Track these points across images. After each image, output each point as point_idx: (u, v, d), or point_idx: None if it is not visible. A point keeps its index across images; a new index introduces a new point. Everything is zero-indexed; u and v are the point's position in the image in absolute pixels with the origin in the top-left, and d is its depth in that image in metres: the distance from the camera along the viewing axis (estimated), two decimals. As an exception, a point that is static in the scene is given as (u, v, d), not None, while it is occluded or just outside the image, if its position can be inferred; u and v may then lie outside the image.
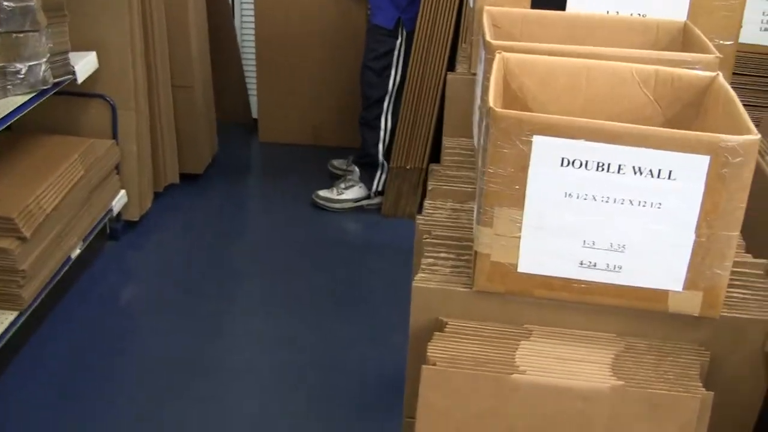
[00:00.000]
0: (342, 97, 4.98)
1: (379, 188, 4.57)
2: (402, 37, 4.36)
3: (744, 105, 1.51)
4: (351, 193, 4.60)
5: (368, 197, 4.60)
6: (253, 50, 5.20)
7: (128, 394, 3.24)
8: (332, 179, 4.79)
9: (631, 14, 2.10)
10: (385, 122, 4.47)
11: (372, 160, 4.56)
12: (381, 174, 4.55)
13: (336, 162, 4.95)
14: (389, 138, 4.48)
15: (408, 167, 4.38)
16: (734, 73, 2.32)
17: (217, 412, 3.14)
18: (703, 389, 1.47)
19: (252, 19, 5.19)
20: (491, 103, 1.47)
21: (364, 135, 4.56)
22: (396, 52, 4.39)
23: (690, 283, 1.50)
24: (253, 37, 5.21)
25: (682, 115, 1.70)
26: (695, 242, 1.47)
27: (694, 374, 1.50)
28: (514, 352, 1.54)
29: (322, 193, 4.62)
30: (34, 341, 3.47)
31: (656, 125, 1.67)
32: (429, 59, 4.19)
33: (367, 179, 4.59)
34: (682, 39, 1.99)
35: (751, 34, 2.58)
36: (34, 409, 3.13)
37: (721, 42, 2.08)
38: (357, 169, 4.62)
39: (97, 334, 3.57)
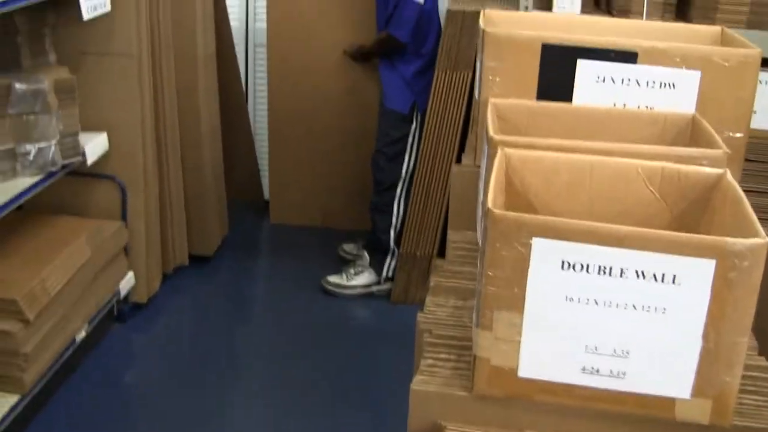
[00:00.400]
0: (353, 180, 4.96)
1: (389, 274, 4.52)
2: (417, 121, 4.35)
3: (753, 192, 1.48)
4: (361, 278, 4.55)
5: (378, 283, 4.55)
6: (266, 132, 5.20)
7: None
8: (342, 263, 4.74)
9: (639, 107, 2.07)
10: (397, 208, 4.44)
11: (383, 246, 4.52)
12: (391, 260, 4.51)
13: (347, 246, 4.90)
14: (401, 224, 4.44)
15: (418, 254, 4.34)
16: (745, 159, 2.27)
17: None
18: (712, 503, 1.41)
19: (265, 102, 5.20)
20: (490, 204, 1.43)
21: (375, 220, 4.53)
22: (410, 138, 4.38)
23: (698, 391, 1.45)
24: (266, 119, 5.22)
25: (689, 212, 1.65)
26: (702, 348, 1.42)
27: (703, 486, 1.44)
28: (514, 460, 1.49)
29: (332, 278, 4.57)
30: (35, 425, 3.41)
31: (662, 223, 1.64)
32: (439, 147, 4.19)
33: (377, 265, 4.54)
34: (690, 132, 1.96)
35: (762, 120, 2.56)
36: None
37: (731, 134, 2.04)
38: (367, 255, 4.58)
39: (99, 418, 3.51)
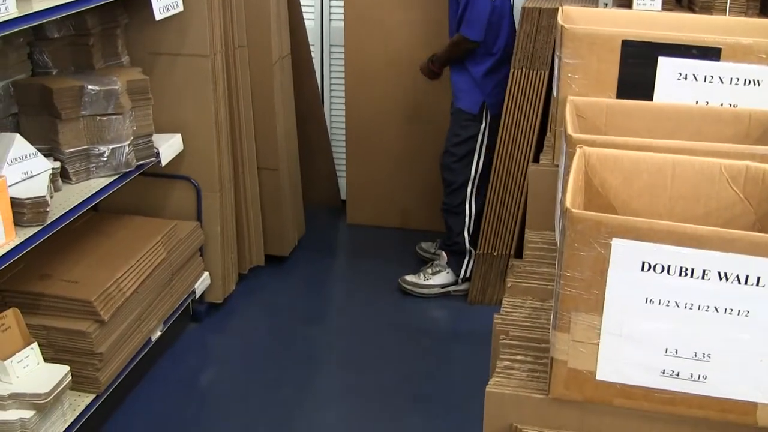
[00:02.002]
0: (430, 180, 4.92)
1: (467, 274, 4.49)
2: (486, 121, 4.30)
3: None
4: (438, 278, 4.52)
5: (455, 283, 4.51)
6: (343, 134, 5.20)
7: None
8: (419, 263, 4.73)
9: (722, 104, 2.01)
10: (469, 208, 4.41)
11: (458, 247, 4.48)
12: (468, 260, 4.47)
13: (424, 245, 4.89)
14: (474, 224, 4.41)
15: (495, 254, 4.30)
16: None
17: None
18: None
19: (339, 102, 5.20)
20: (568, 203, 1.40)
21: (448, 222, 4.50)
22: (480, 137, 4.33)
23: (781, 396, 1.41)
24: (340, 120, 5.22)
25: (775, 213, 1.61)
26: (787, 352, 1.37)
27: (787, 494, 1.40)
28: (592, 464, 1.45)
29: (410, 278, 4.55)
30: (111, 425, 3.45)
31: (746, 224, 1.59)
32: (516, 146, 4.15)
33: (454, 265, 4.50)
34: (777, 130, 1.91)
35: None
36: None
37: (819, 133, 1.98)
38: (444, 255, 4.55)
39: (175, 418, 3.54)
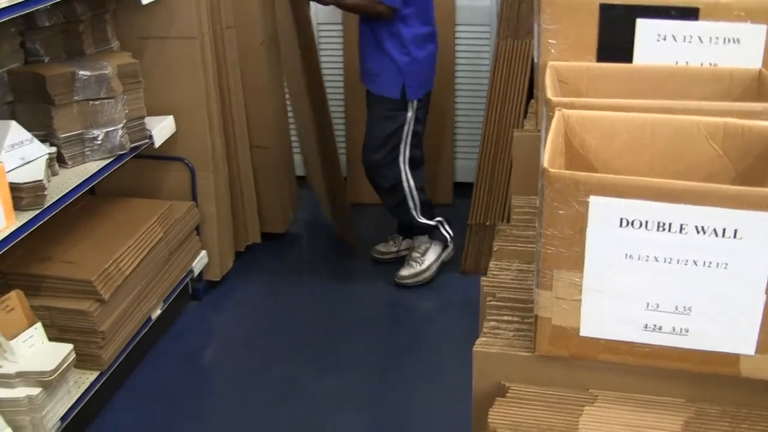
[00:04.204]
0: (432, 153, 4.90)
1: (450, 234, 4.42)
2: (413, 109, 4.08)
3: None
4: (430, 255, 4.38)
5: (446, 247, 4.42)
6: (343, 112, 5.22)
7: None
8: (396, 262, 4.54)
9: (702, 64, 2.03)
10: (412, 199, 4.25)
11: (425, 228, 4.37)
12: (442, 227, 4.39)
13: (381, 248, 4.66)
14: (419, 197, 4.28)
15: (487, 224, 4.32)
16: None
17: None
18: (779, 458, 1.40)
19: (340, 80, 5.20)
20: (546, 163, 1.43)
21: (401, 220, 4.41)
22: (407, 128, 4.10)
23: (763, 346, 1.44)
24: (339, 98, 5.22)
25: (754, 168, 1.63)
26: (766, 303, 1.40)
27: (770, 442, 1.43)
28: (578, 418, 1.49)
29: (404, 272, 4.36)
30: (116, 402, 3.49)
31: (726, 180, 1.62)
32: (504, 116, 4.16)
33: (435, 238, 4.41)
34: (758, 88, 1.92)
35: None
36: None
37: (799, 89, 2.00)
38: (420, 238, 4.42)
39: (177, 393, 3.57)
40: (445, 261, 4.43)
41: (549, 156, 1.46)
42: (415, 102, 4.02)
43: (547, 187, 1.42)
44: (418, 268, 4.35)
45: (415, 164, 4.20)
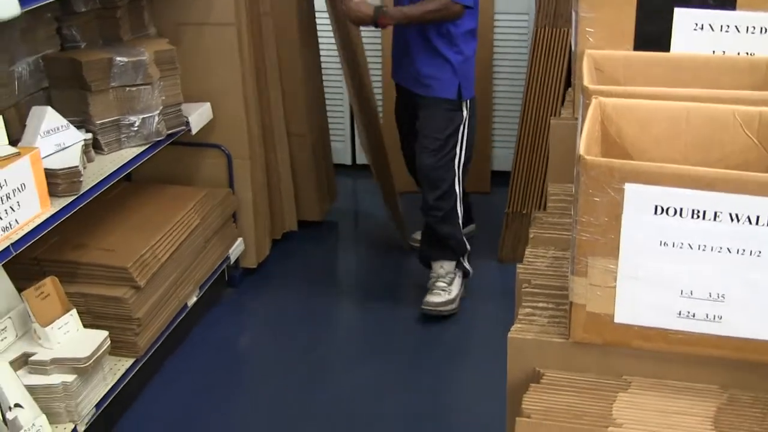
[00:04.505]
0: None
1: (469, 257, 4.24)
2: (467, 108, 3.96)
3: None
4: (456, 285, 4.16)
5: (467, 275, 4.25)
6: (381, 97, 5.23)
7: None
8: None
9: (738, 53, 2.03)
10: (461, 207, 4.11)
11: (460, 248, 4.15)
12: (466, 261, 4.21)
13: (416, 235, 4.53)
14: (462, 207, 4.14)
15: (524, 212, 4.33)
16: None
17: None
18: (812, 445, 1.40)
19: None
20: (582, 150, 1.44)
21: (440, 230, 4.09)
22: (463, 127, 3.96)
23: (796, 334, 1.44)
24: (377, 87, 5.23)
25: (790, 157, 1.63)
26: (799, 291, 1.41)
27: (802, 429, 1.43)
28: (612, 404, 1.50)
29: (433, 299, 4.07)
30: (151, 389, 3.54)
31: (761, 169, 1.61)
32: (542, 105, 4.16)
33: (460, 264, 4.20)
34: (794, 78, 1.92)
35: None
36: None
37: (836, 79, 1.99)
38: (437, 267, 4.18)
39: (212, 381, 3.61)
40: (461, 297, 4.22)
41: (585, 143, 1.47)
42: (469, 101, 3.94)
43: (582, 175, 1.43)
44: (446, 297, 4.09)
45: (466, 169, 4.10)
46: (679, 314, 1.48)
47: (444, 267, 4.12)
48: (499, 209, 4.52)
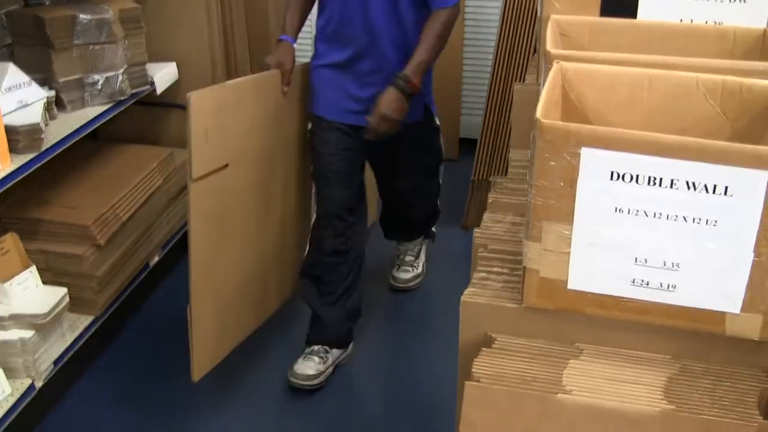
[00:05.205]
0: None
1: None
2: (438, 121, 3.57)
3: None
4: (422, 254, 4.10)
5: (432, 242, 4.17)
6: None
7: (198, 401, 3.26)
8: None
9: (706, 22, 2.01)
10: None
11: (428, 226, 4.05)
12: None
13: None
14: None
15: (490, 179, 4.29)
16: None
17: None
18: (760, 417, 1.39)
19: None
20: (539, 114, 1.42)
21: (428, 201, 3.87)
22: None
23: (749, 305, 1.43)
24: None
25: (752, 128, 1.61)
26: (754, 262, 1.40)
27: (752, 401, 1.43)
28: (562, 371, 1.49)
29: (402, 276, 4.01)
30: (111, 348, 3.51)
31: (723, 138, 1.60)
32: (509, 72, 4.13)
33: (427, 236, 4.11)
34: (762, 48, 1.90)
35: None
36: (106, 419, 3.18)
37: (804, 50, 1.98)
38: (416, 246, 4.08)
39: (171, 342, 3.57)
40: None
41: (543, 107, 1.45)
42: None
43: (539, 138, 1.41)
44: (414, 272, 4.03)
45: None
46: (633, 282, 1.47)
47: (411, 241, 4.08)
48: (465, 177, 4.48)
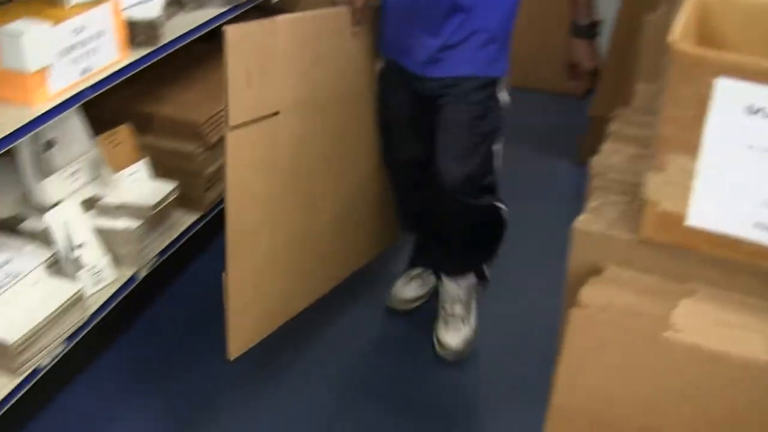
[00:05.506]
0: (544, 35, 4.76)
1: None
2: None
3: None
4: (474, 310, 3.23)
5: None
6: None
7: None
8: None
9: None
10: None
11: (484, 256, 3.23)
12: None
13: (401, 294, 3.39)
14: None
15: (611, 116, 4.17)
16: None
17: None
18: None
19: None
20: (673, 37, 1.35)
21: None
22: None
23: None
24: None
25: None
26: None
27: None
28: (672, 309, 1.44)
29: (451, 339, 3.13)
30: (215, 245, 3.55)
31: None
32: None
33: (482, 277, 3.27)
34: None
35: None
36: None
37: None
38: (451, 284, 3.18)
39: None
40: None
41: (678, 32, 1.38)
42: None
43: (671, 65, 1.34)
44: (466, 332, 3.16)
45: None
46: (757, 225, 1.40)
47: (463, 284, 3.19)
48: (581, 111, 4.35)
